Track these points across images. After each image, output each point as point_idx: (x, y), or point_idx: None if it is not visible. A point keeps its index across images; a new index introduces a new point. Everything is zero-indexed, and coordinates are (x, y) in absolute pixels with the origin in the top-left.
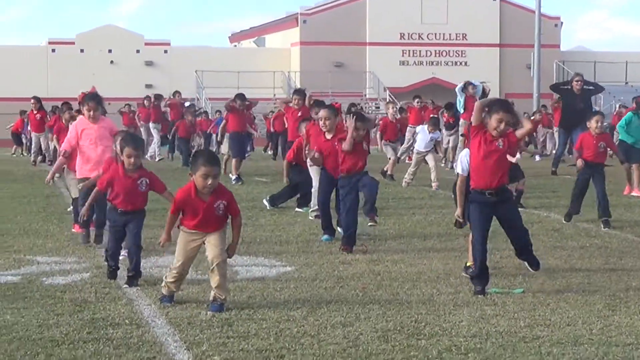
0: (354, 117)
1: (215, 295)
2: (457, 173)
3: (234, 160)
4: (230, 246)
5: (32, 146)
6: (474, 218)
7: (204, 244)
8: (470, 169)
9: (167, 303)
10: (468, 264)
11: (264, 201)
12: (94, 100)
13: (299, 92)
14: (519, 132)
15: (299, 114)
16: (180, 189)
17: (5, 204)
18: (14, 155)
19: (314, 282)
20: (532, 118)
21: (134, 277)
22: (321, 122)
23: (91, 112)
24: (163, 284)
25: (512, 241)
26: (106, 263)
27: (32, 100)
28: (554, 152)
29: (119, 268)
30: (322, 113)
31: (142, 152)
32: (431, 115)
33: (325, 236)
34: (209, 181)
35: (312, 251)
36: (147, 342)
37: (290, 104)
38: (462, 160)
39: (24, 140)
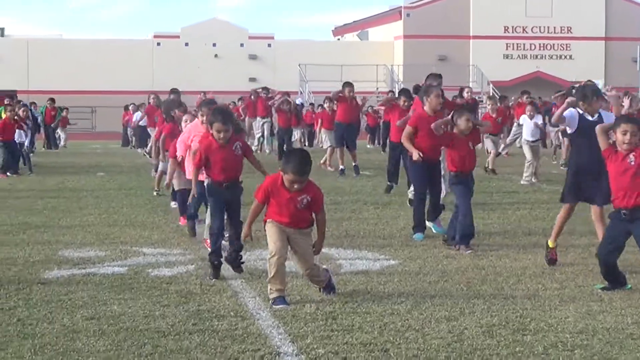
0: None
1: (317, 285)
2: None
3: (337, 151)
4: (316, 243)
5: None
6: (608, 229)
7: (290, 246)
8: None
9: (282, 305)
10: (550, 245)
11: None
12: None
13: (406, 93)
14: None
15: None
16: (268, 176)
17: (112, 196)
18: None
19: (417, 276)
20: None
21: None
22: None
23: (204, 117)
24: (269, 287)
25: None
26: (210, 259)
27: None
28: None
29: (222, 264)
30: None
31: (232, 124)
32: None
33: (418, 234)
34: (295, 186)
35: (416, 245)
36: (252, 334)
37: (396, 103)
38: None
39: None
